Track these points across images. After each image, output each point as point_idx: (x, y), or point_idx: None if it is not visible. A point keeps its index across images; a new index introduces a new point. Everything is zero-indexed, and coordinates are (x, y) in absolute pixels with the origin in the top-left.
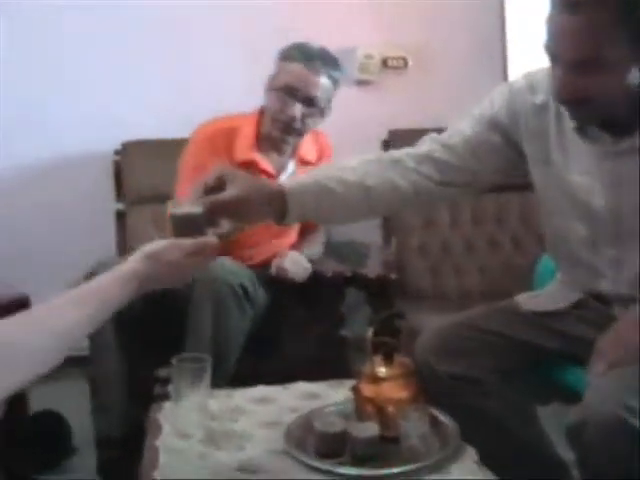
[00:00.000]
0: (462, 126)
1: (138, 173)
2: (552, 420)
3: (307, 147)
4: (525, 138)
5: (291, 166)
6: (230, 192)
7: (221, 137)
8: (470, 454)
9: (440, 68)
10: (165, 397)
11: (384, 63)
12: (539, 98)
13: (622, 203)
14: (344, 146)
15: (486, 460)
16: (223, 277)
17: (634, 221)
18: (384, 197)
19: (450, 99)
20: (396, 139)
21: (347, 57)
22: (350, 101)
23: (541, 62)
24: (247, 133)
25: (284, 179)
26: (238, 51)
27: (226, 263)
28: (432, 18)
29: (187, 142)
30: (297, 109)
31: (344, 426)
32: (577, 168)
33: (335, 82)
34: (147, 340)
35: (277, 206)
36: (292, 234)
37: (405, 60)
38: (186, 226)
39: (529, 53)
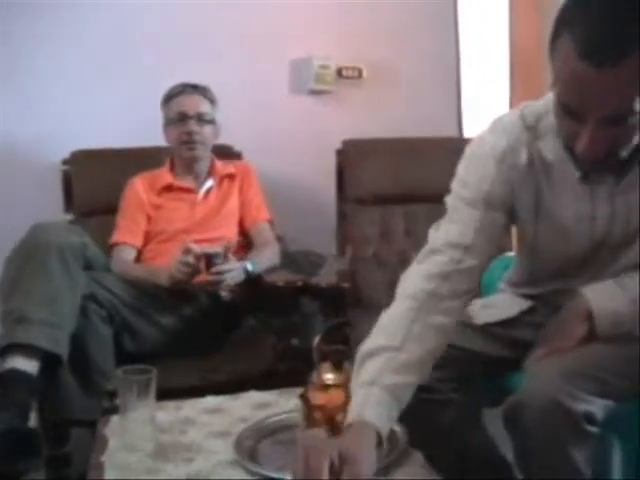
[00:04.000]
0: (464, 215)
1: (88, 183)
2: (498, 421)
3: (224, 166)
4: (517, 195)
5: (209, 182)
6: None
7: (147, 179)
8: (417, 458)
9: (394, 79)
10: (113, 411)
11: (339, 73)
12: (522, 157)
13: (631, 222)
14: (299, 155)
15: (433, 462)
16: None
17: (635, 232)
18: (442, 345)
19: (404, 110)
20: (350, 149)
21: (303, 67)
22: (305, 111)
23: (492, 73)
24: (164, 170)
25: (203, 193)
26: (190, 60)
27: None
28: (387, 30)
29: (138, 151)
30: (192, 124)
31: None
32: (573, 213)
33: (212, 100)
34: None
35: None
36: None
37: (360, 71)
38: None
39: (481, 65)
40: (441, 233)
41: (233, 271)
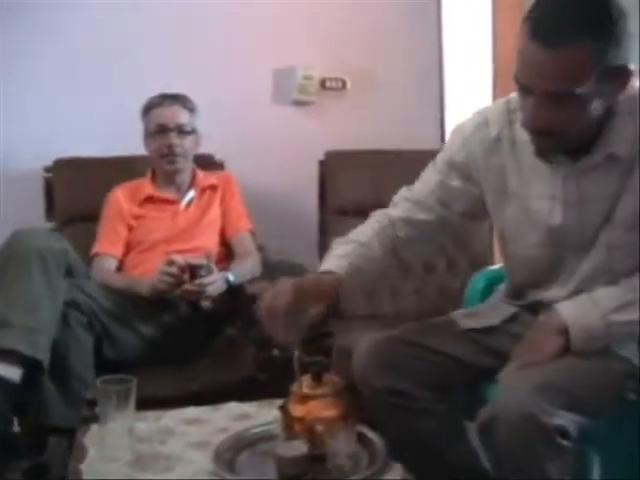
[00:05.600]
0: (428, 176)
1: (70, 191)
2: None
3: (206, 177)
4: (482, 173)
5: (191, 194)
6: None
7: (128, 189)
8: (397, 470)
9: (378, 90)
10: (92, 420)
11: (322, 84)
12: (493, 131)
13: (584, 217)
14: (281, 166)
15: (415, 473)
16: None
17: (594, 233)
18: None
19: (387, 121)
20: (333, 160)
21: (286, 78)
22: (288, 121)
23: (475, 88)
24: (146, 181)
25: (185, 204)
26: (173, 69)
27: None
28: (371, 41)
29: (120, 160)
30: (172, 137)
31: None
32: (536, 192)
33: (192, 110)
34: None
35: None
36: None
37: (344, 82)
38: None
39: (464, 78)
40: (403, 190)
41: (216, 282)
